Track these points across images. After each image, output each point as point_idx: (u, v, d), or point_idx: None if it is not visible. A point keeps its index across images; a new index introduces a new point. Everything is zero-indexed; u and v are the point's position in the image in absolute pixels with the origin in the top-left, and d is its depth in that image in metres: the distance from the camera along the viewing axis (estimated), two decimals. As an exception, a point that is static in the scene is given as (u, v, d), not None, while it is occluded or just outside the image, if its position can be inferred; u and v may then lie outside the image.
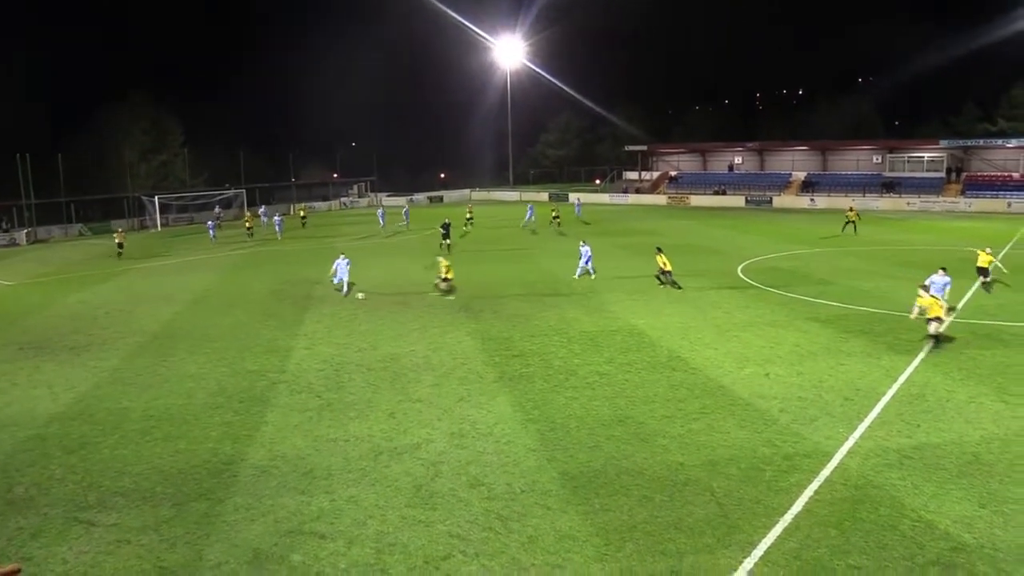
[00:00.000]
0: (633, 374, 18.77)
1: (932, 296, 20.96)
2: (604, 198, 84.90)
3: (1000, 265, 30.93)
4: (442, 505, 11.98)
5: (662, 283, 30.17)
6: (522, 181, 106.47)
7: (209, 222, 56.03)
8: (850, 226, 48.64)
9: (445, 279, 29.61)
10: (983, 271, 28.87)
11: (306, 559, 10.51)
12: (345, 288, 30.21)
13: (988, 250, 29.66)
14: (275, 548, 10.81)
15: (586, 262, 32.91)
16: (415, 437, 14.89)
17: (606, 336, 22.53)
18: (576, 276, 32.62)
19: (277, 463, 13.83)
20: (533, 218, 57.95)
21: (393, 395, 17.57)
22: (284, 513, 11.87)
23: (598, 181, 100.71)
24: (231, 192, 76.67)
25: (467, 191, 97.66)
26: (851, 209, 50.86)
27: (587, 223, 58.16)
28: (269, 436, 15.20)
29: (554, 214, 55.82)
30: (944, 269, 24.22)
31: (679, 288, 29.48)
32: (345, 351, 21.64)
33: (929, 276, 24.06)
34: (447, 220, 45.59)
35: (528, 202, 70.51)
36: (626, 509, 11.69)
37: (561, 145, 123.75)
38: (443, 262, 30.31)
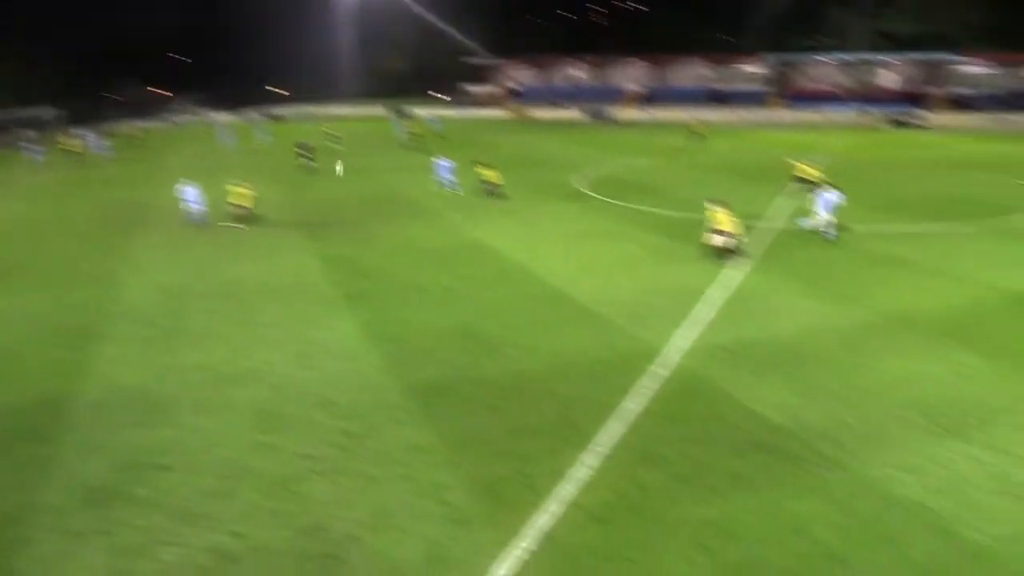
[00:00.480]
0: (479, 287, 19.09)
1: (721, 210, 21.19)
2: (448, 112, 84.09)
3: (825, 178, 32.99)
4: (290, 427, 11.93)
5: (490, 194, 31.02)
6: (365, 95, 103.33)
7: (23, 143, 51.38)
8: (696, 137, 50.83)
9: (239, 206, 27.26)
10: (809, 181, 30.90)
11: (151, 492, 10.24)
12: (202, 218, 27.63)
13: (813, 164, 31.80)
14: (117, 484, 10.45)
15: (447, 175, 32.88)
16: (260, 361, 14.62)
17: (452, 252, 22.70)
18: (444, 189, 32.60)
19: (114, 396, 13.24)
20: (439, 127, 59.32)
21: (235, 320, 17.09)
22: (124, 447, 11.45)
23: (441, 96, 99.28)
24: (49, 111, 70.06)
25: (310, 107, 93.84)
26: (696, 122, 53.01)
27: (443, 137, 57.55)
28: (104, 370, 14.47)
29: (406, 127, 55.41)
30: (832, 185, 24.31)
31: (500, 199, 30.47)
32: (183, 277, 20.73)
33: (819, 193, 24.03)
34: (307, 141, 43.59)
35: (400, 117, 68.90)
36: (473, 418, 12.06)
37: (401, 58, 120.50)
38: (238, 190, 27.78)
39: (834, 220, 23.40)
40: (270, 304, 18.17)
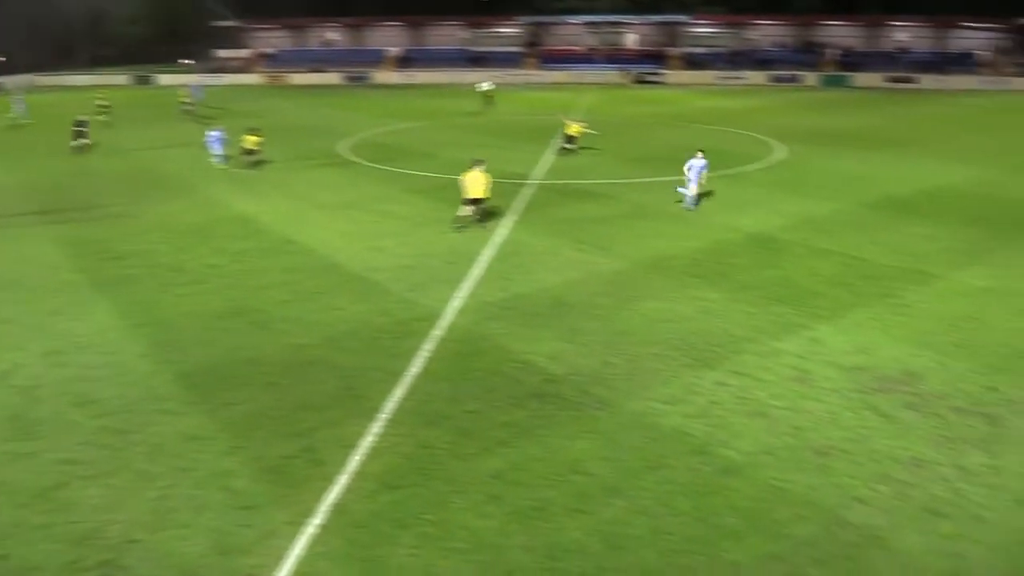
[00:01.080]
0: (245, 262, 18.31)
1: (476, 173, 20.37)
2: (202, 80, 78.84)
3: (592, 131, 34.54)
4: (47, 432, 10.89)
5: (252, 164, 30.09)
6: (100, 64, 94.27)
7: None
8: (488, 102, 50.87)
9: None
10: (571, 139, 32.29)
11: None
12: None
13: (579, 121, 33.28)
14: None
15: (217, 147, 30.64)
16: (3, 363, 13.17)
17: (214, 226, 21.55)
18: (214, 162, 30.50)
19: None
20: (202, 96, 54.89)
21: (-35, 320, 15.22)
22: None
23: (188, 61, 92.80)
24: None
25: (36, 77, 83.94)
26: (489, 85, 53.13)
27: (206, 106, 53.59)
28: None
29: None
30: (702, 152, 23.15)
31: (265, 169, 29.49)
32: None
33: (688, 160, 23.05)
34: (83, 117, 38.24)
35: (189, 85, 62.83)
36: (251, 398, 11.65)
37: (138, 21, 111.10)
38: None
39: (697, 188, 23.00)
40: (9, 298, 16.32)
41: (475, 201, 20.58)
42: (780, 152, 33.60)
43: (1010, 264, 17.93)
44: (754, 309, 15.04)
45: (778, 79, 75.36)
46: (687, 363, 12.68)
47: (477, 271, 17.34)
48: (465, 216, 20.79)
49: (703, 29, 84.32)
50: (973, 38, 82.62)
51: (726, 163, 29.87)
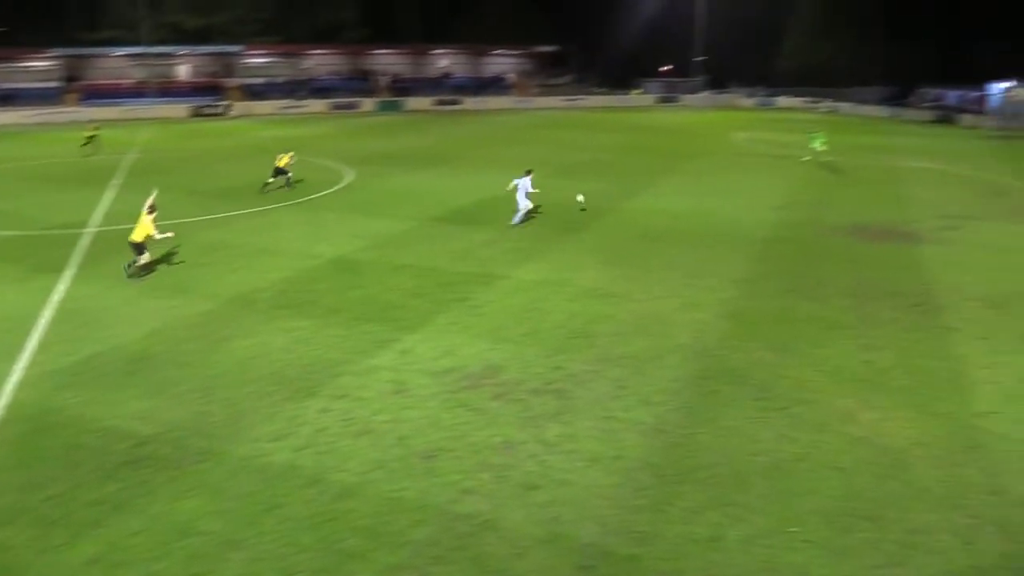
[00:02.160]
0: None
1: (146, 218, 19.14)
2: None
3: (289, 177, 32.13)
4: None
5: None
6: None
7: None
8: (95, 142, 42.67)
9: None
10: (280, 171, 30.50)
11: None
12: None
13: (288, 154, 31.42)
14: None
15: None
16: None
17: None
18: None
19: None
20: None
21: None
22: None
23: None
24: None
25: None
26: (93, 125, 44.66)
27: None
28: None
29: None
30: (529, 172, 24.85)
31: None
32: None
33: (513, 179, 24.75)
34: None
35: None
36: None
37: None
38: None
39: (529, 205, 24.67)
40: None
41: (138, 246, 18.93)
42: (349, 176, 34.79)
43: (558, 260, 20.68)
44: (345, 331, 15.40)
45: (338, 106, 77.96)
46: (287, 396, 12.56)
47: (36, 337, 15.26)
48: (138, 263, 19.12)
49: (258, 60, 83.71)
50: (502, 64, 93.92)
51: (300, 192, 30.13)
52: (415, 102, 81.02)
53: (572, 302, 17.19)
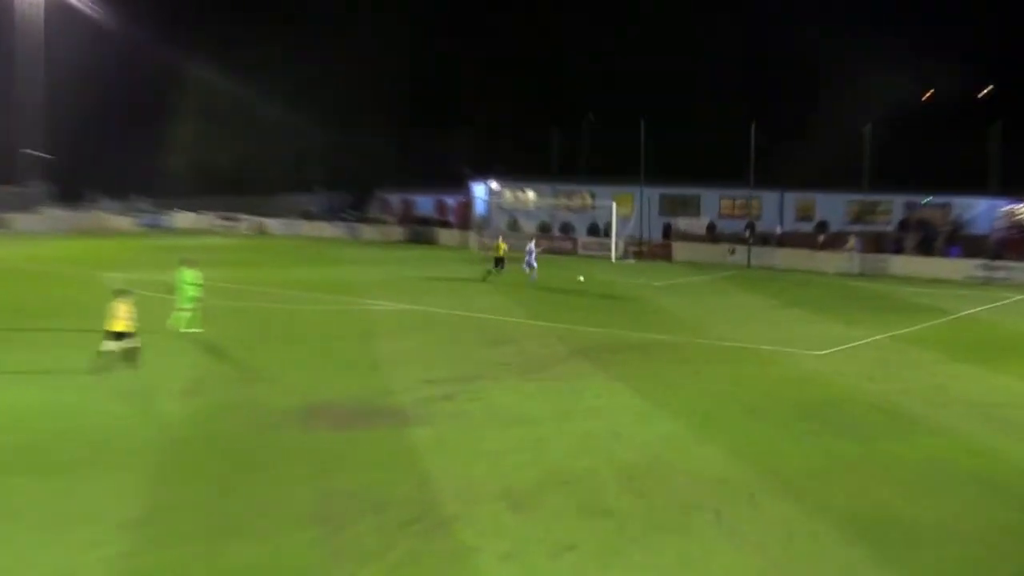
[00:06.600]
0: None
1: (124, 307, 19.07)
2: None
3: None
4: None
5: None
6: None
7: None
8: None
9: None
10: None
11: None
12: None
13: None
14: None
15: None
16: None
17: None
18: None
19: None
20: None
21: None
22: None
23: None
24: None
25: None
26: None
27: None
28: None
29: None
30: (534, 239, 38.00)
31: None
32: None
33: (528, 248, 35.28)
34: None
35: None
36: None
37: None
38: None
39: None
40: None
41: (119, 335, 19.00)
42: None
43: None
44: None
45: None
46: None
47: None
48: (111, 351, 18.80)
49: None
50: None
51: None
52: None
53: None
